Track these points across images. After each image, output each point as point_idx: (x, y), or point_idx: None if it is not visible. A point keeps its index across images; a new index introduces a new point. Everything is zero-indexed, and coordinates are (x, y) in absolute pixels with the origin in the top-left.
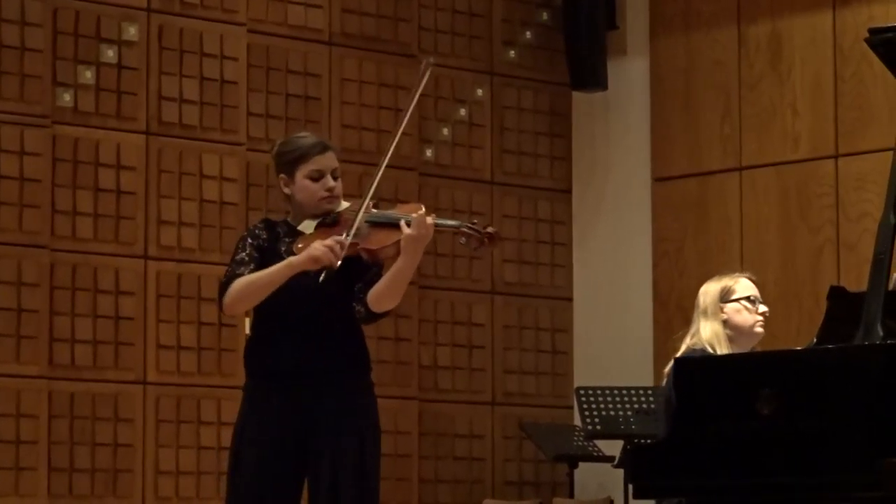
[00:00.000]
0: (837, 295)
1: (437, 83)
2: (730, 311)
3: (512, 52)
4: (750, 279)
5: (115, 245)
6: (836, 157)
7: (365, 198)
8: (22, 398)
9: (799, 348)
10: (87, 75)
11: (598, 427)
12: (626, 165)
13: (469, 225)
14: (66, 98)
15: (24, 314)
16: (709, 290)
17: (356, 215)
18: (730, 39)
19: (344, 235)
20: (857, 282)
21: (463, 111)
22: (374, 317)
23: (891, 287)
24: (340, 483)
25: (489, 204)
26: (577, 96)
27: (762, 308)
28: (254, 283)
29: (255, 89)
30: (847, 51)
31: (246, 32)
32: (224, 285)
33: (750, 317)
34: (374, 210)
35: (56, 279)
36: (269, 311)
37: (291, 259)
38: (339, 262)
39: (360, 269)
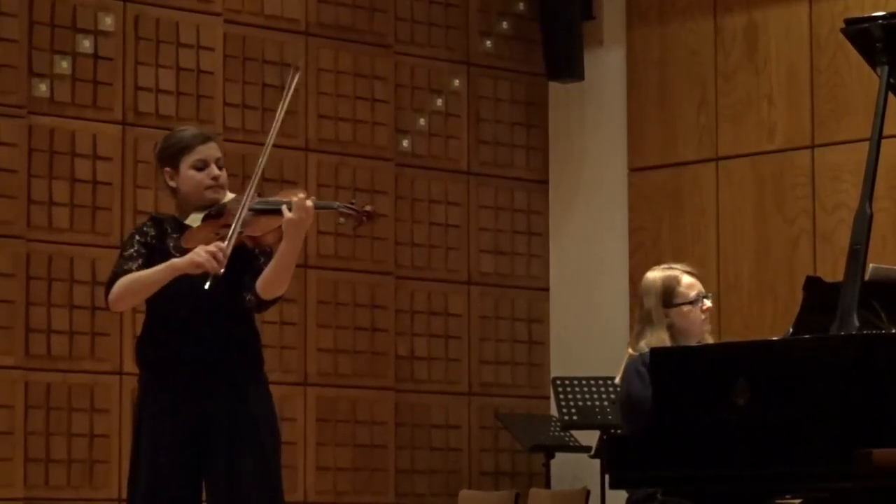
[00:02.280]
0: (813, 285)
1: (413, 73)
2: (674, 314)
3: (488, 43)
4: (690, 273)
5: (91, 235)
6: (811, 147)
7: (249, 188)
8: None
9: (775, 339)
10: (63, 65)
11: (575, 417)
12: (602, 156)
13: (347, 205)
14: (42, 88)
15: (0, 304)
16: (651, 289)
17: (240, 206)
18: (706, 30)
19: (226, 243)
20: (833, 272)
21: (439, 101)
22: (264, 304)
23: (867, 278)
24: (237, 477)
25: (465, 194)
26: (554, 87)
27: (707, 303)
28: (137, 281)
29: (231, 79)
30: (823, 41)
31: (222, 22)
32: (110, 281)
33: (696, 318)
34: (258, 198)
35: (32, 269)
36: (156, 307)
37: (174, 261)
38: (223, 269)
39: (245, 258)
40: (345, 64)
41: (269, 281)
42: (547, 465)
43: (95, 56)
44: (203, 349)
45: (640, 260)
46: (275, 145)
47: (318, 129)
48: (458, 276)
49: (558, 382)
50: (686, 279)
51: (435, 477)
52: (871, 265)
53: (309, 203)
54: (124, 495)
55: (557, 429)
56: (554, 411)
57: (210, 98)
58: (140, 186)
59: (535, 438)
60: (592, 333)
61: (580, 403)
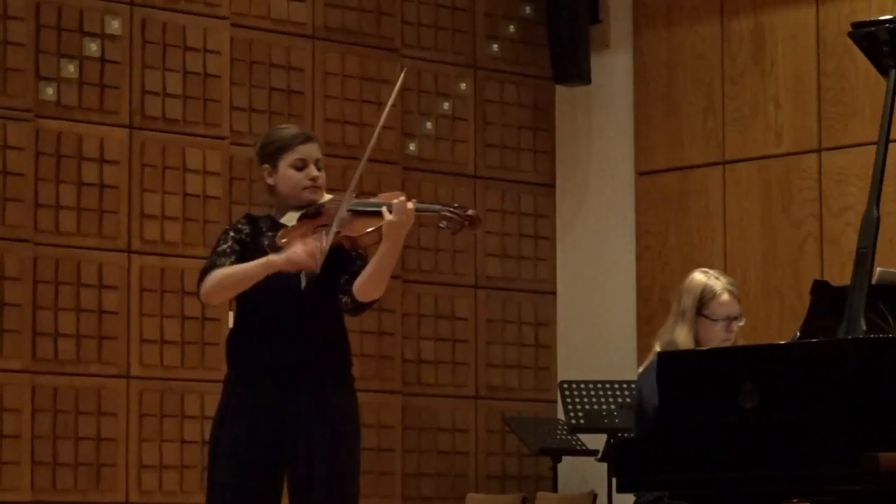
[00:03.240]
0: (820, 289)
1: (419, 77)
2: (702, 323)
3: (495, 46)
4: (731, 293)
5: (98, 239)
6: (818, 151)
7: (348, 189)
8: (5, 392)
9: (782, 342)
10: (70, 69)
11: (582, 421)
12: (609, 159)
13: (450, 209)
14: (49, 92)
15: (7, 308)
16: (690, 289)
17: (338, 206)
18: (712, 33)
19: (323, 240)
20: (839, 276)
21: (446, 105)
22: (360, 307)
23: (874, 281)
24: (315, 482)
25: (472, 198)
26: (560, 90)
27: (736, 326)
28: (230, 276)
29: (238, 83)
30: (830, 45)
31: (229, 26)
32: (203, 274)
33: (718, 334)
34: (356, 200)
35: (39, 273)
36: (250, 306)
37: (271, 258)
38: (319, 269)
39: (342, 259)
40: (351, 68)
41: (367, 284)
42: (554, 469)
43: (102, 59)
44: (292, 351)
45: (647, 263)
46: None
47: (324, 133)
48: (465, 280)
49: (565, 386)
50: (724, 298)
51: (442, 480)
52: (878, 268)
53: (410, 205)
54: (131, 498)
55: (564, 432)
56: (561, 415)
57: (217, 102)
58: (147, 190)
59: (542, 442)
60: (599, 337)
61: (587, 407)
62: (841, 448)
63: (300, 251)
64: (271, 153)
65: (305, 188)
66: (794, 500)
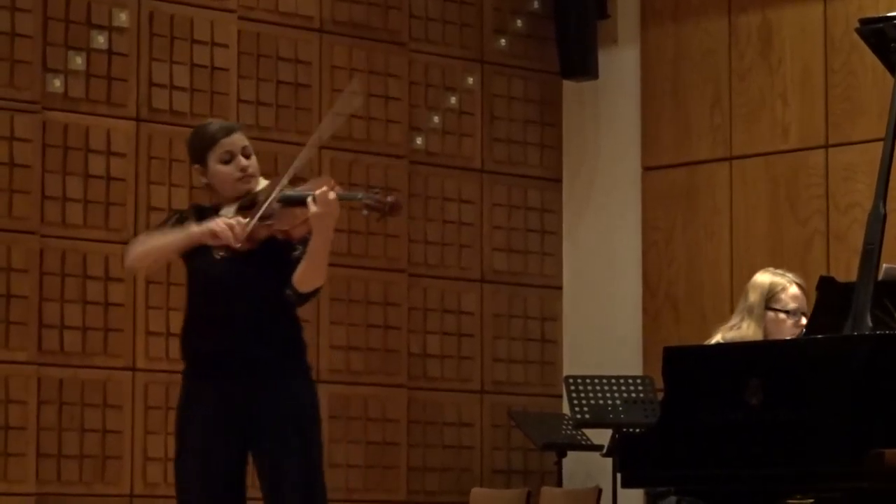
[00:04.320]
0: (827, 285)
1: (427, 71)
2: (770, 318)
3: (502, 41)
4: (799, 286)
5: (104, 231)
6: (825, 147)
7: (280, 178)
8: (10, 384)
9: (788, 338)
10: (78, 61)
11: (587, 416)
12: (616, 154)
13: (370, 196)
14: (57, 84)
15: (14, 300)
16: (758, 285)
17: (269, 195)
18: (720, 29)
19: (248, 220)
20: (846, 272)
21: (453, 99)
22: (303, 297)
23: (880, 277)
24: (283, 473)
25: (479, 192)
26: (568, 85)
27: (803, 320)
28: (152, 241)
29: (245, 76)
30: (837, 41)
31: (236, 19)
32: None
33: (787, 329)
34: (287, 190)
35: (45, 265)
36: (194, 298)
37: (192, 228)
38: (239, 244)
39: (282, 250)
40: (359, 61)
41: (304, 274)
42: (559, 464)
43: (110, 52)
44: (241, 342)
45: (654, 259)
46: (286, 142)
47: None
48: (471, 274)
49: (571, 381)
50: (793, 290)
51: (447, 475)
52: (884, 265)
53: (332, 195)
54: (136, 491)
55: (570, 427)
56: (566, 410)
57: (224, 95)
58: (154, 182)
59: (547, 437)
60: (605, 332)
61: (592, 402)
62: (846, 445)
63: (221, 224)
64: (199, 152)
65: (238, 179)
66: (799, 497)
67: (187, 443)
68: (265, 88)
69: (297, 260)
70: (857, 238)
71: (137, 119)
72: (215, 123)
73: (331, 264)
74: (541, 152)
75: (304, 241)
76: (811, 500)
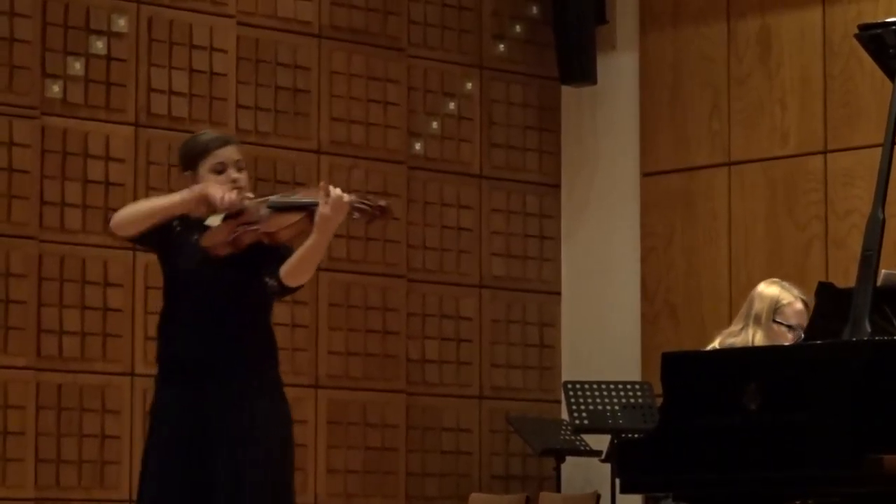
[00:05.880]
0: (825, 291)
1: (426, 76)
2: (773, 330)
3: (501, 46)
4: (804, 302)
5: (103, 237)
6: (824, 153)
7: (268, 196)
8: (9, 389)
9: (786, 344)
10: (77, 66)
11: (586, 421)
12: (614, 160)
13: (360, 201)
14: (55, 89)
15: (12, 305)
16: (765, 295)
17: (259, 205)
18: (719, 35)
19: (241, 198)
20: (844, 278)
21: (452, 105)
22: (286, 290)
23: (879, 283)
24: (240, 479)
25: (478, 198)
26: (567, 91)
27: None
28: (142, 203)
29: (244, 82)
30: (836, 47)
31: (235, 25)
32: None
33: (786, 342)
34: (277, 196)
35: (44, 270)
36: (170, 299)
37: (184, 192)
38: (224, 210)
39: (263, 254)
40: (358, 67)
41: (295, 270)
42: (557, 469)
43: (108, 57)
44: (210, 347)
45: (652, 264)
46: (285, 147)
47: (330, 132)
48: (469, 280)
49: (569, 386)
50: (799, 306)
51: (445, 480)
52: (883, 271)
53: (346, 199)
54: (135, 496)
55: (568, 433)
56: (565, 415)
57: (223, 100)
58: (152, 188)
59: (545, 442)
60: (604, 337)
61: (591, 407)
62: (845, 450)
63: (216, 188)
64: (191, 160)
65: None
66: (798, 502)
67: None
68: (264, 94)
69: (283, 258)
70: (856, 243)
71: (136, 124)
72: (210, 133)
73: (329, 269)
74: (539, 158)
75: (287, 247)
76: None
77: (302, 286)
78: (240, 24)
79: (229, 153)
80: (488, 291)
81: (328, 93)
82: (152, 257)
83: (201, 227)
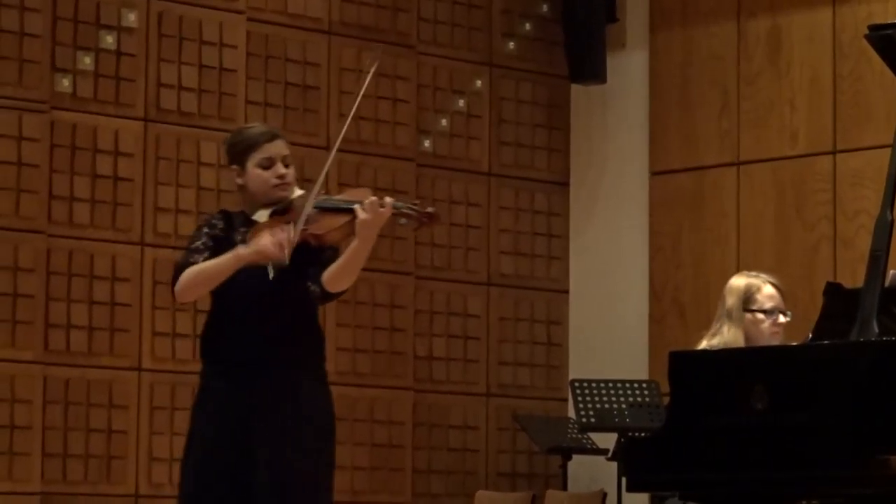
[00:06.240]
0: (833, 291)
1: (435, 74)
2: (748, 320)
3: (511, 44)
4: (774, 285)
5: (111, 231)
6: (833, 153)
7: (315, 185)
8: (17, 383)
9: (794, 344)
10: (86, 61)
11: (593, 420)
12: (623, 159)
13: (409, 206)
14: (65, 84)
15: (20, 299)
16: (733, 288)
17: (305, 203)
18: (729, 34)
19: (291, 232)
20: (853, 278)
21: (461, 102)
22: (328, 296)
23: (887, 284)
24: (281, 473)
25: (486, 195)
26: (576, 89)
27: (782, 319)
28: (202, 272)
29: (253, 77)
30: (846, 47)
31: (245, 20)
32: (177, 273)
33: (766, 329)
34: (324, 196)
35: (52, 265)
36: (220, 299)
37: (239, 250)
38: (288, 259)
39: (309, 254)
40: (367, 63)
41: (338, 275)
42: (564, 467)
43: (118, 52)
44: (261, 344)
45: (660, 263)
46: (294, 143)
47: (339, 129)
48: (477, 277)
49: (576, 384)
50: (767, 289)
51: (452, 477)
52: (891, 271)
53: (385, 203)
54: (141, 491)
55: (575, 431)
56: (572, 413)
57: (232, 96)
58: (161, 183)
59: (552, 440)
60: (611, 336)
61: (598, 406)
62: (851, 450)
63: (268, 242)
64: (238, 153)
65: (274, 186)
66: (803, 502)
67: (194, 447)
68: (273, 90)
69: (326, 262)
70: (864, 244)
71: (145, 119)
72: (259, 127)
73: None
74: (548, 156)
75: (333, 248)
76: None
77: (345, 291)
78: (250, 19)
79: (278, 148)
80: (496, 289)
81: (337, 89)
82: (160, 253)
83: (248, 223)
